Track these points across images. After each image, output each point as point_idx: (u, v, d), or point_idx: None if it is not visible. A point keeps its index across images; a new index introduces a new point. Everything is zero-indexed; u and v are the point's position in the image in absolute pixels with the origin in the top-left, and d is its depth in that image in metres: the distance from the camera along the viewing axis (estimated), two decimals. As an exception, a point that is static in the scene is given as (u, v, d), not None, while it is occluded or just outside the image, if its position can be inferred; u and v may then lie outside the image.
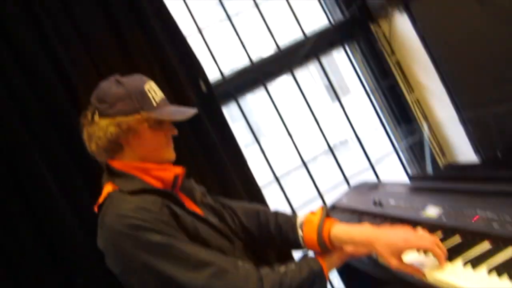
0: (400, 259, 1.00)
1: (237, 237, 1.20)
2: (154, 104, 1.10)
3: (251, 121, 2.15)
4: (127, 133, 1.07)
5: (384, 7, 2.08)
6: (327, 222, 1.12)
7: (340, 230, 1.09)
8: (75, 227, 1.50)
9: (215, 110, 1.79)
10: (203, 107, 1.76)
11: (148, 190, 1.06)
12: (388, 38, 2.22)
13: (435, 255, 0.98)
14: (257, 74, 2.05)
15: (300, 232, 1.16)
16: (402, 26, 2.10)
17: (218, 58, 2.06)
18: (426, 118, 2.22)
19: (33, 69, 1.52)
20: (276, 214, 1.26)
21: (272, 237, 1.23)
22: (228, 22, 2.11)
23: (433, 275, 0.97)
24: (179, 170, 1.15)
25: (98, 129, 1.07)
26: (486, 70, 1.96)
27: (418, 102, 2.23)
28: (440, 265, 0.97)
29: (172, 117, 1.13)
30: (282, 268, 1.03)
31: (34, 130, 1.50)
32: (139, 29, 1.69)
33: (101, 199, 1.08)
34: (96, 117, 1.09)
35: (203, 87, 1.78)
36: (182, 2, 1.98)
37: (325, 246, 1.11)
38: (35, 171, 1.47)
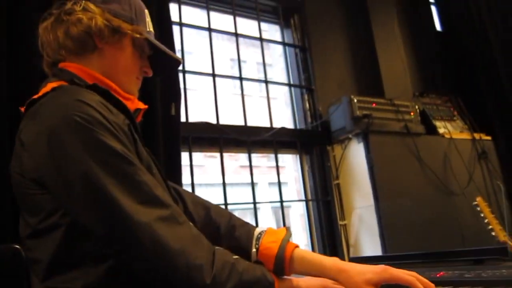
0: None
1: None
2: (147, 29, 0.98)
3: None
4: (112, 36, 0.91)
5: (346, 132, 2.27)
6: (291, 242, 0.94)
7: (307, 252, 0.91)
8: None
9: (174, 135, 1.71)
10: (164, 128, 1.69)
11: (112, 97, 0.86)
12: (337, 163, 2.37)
13: None
14: (218, 134, 2.04)
15: (256, 242, 0.95)
16: (356, 154, 2.28)
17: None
18: (348, 245, 2.26)
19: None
20: (231, 214, 1.08)
21: (219, 237, 1.02)
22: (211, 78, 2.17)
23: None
24: (142, 105, 0.98)
25: (82, 13, 0.89)
26: (417, 227, 2.10)
27: (345, 228, 2.29)
28: None
29: (163, 49, 1.00)
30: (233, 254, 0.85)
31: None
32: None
33: (37, 95, 0.83)
34: (84, 3, 0.91)
35: (173, 110, 1.73)
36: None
37: (282, 265, 0.88)
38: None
